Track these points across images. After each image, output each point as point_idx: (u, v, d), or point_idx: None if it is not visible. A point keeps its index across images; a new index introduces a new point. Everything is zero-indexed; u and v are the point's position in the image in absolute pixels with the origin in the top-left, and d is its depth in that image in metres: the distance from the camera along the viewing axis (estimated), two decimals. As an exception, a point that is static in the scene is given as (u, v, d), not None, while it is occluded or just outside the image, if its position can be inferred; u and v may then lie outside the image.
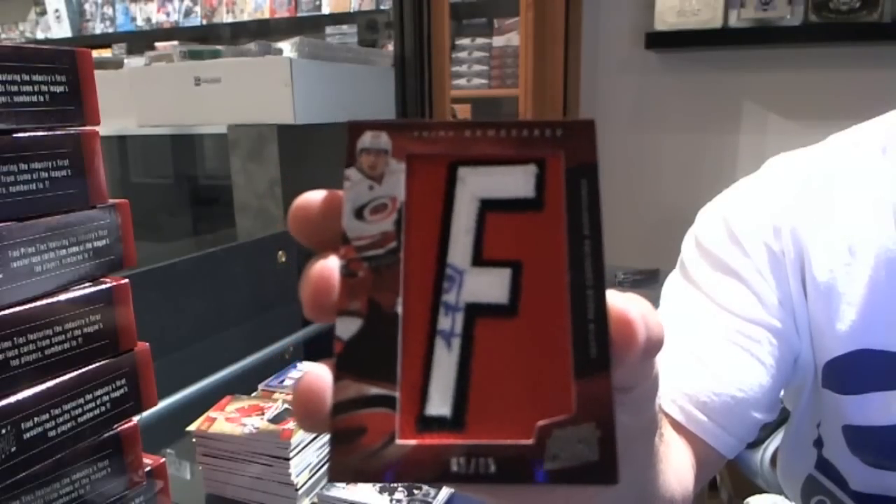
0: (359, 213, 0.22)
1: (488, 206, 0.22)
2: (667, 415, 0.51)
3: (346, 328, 0.21)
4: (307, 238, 0.22)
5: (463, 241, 0.22)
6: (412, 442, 0.20)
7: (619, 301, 0.21)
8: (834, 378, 0.51)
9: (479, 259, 0.22)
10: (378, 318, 0.21)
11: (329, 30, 2.40)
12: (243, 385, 0.80)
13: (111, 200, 0.44)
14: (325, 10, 2.42)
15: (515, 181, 0.22)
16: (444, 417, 0.21)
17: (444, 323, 0.21)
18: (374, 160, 0.22)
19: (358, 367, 0.21)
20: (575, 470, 0.20)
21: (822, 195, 0.53)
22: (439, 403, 0.21)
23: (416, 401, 0.21)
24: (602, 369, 0.20)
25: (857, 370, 0.50)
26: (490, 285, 0.22)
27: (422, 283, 0.22)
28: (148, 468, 0.48)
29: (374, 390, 0.20)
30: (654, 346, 0.22)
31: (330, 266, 0.21)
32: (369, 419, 0.20)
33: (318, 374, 0.20)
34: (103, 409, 0.44)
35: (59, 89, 0.40)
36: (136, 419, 0.46)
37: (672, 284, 0.58)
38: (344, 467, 0.20)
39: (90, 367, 0.43)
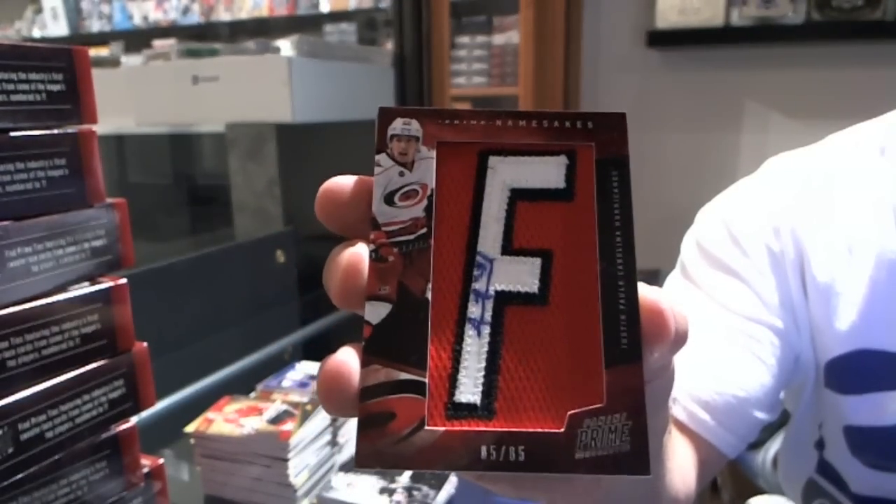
0: (389, 199, 0.22)
1: (518, 196, 0.22)
2: (670, 414, 0.50)
3: (376, 313, 0.21)
4: (334, 223, 0.22)
5: (493, 229, 0.22)
6: (441, 428, 0.20)
7: (650, 292, 0.21)
8: (834, 378, 0.51)
9: (509, 248, 0.22)
10: (408, 304, 0.21)
11: (328, 28, 2.39)
12: (241, 386, 0.79)
13: (109, 200, 0.43)
14: (324, 9, 2.42)
15: (546, 171, 0.22)
16: (473, 404, 0.21)
17: (473, 310, 0.21)
18: (405, 146, 0.22)
19: (387, 351, 0.20)
20: (606, 459, 0.20)
21: (822, 195, 0.53)
22: (469, 390, 0.21)
23: (445, 387, 0.21)
24: (633, 360, 0.20)
25: (857, 370, 0.50)
26: (520, 274, 0.22)
27: (452, 269, 0.22)
28: (146, 469, 0.48)
29: (404, 375, 0.20)
30: (682, 337, 0.22)
31: (359, 252, 0.21)
32: (398, 404, 0.20)
33: (344, 358, 0.20)
34: (101, 409, 0.43)
35: (56, 88, 0.39)
36: (134, 420, 0.46)
37: (672, 285, 0.58)
38: (372, 453, 0.19)
39: (88, 367, 0.42)
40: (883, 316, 0.49)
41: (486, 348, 0.21)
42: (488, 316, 0.21)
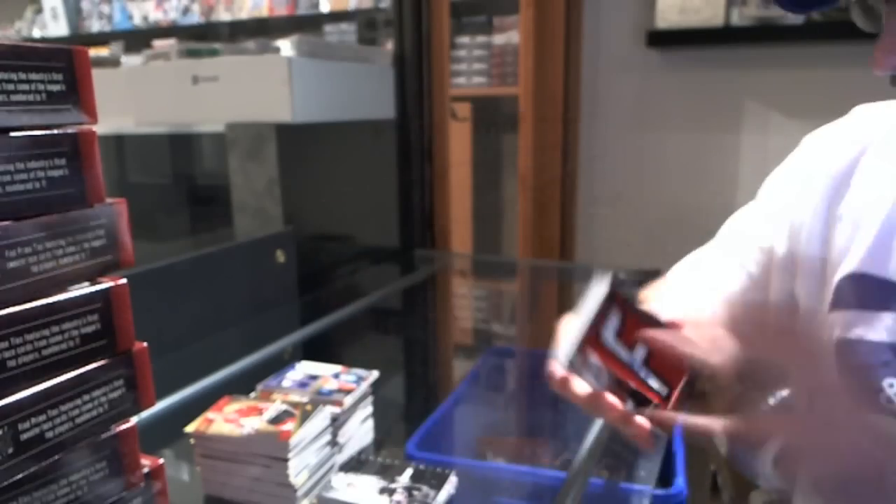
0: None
1: None
2: None
3: None
4: None
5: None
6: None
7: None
8: (842, 296, 0.57)
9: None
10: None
11: (328, 28, 2.39)
12: (242, 386, 0.79)
13: (109, 200, 0.43)
14: (324, 9, 2.42)
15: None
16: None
17: None
18: None
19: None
20: None
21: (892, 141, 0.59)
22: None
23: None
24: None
25: (855, 290, 0.56)
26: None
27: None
28: (146, 469, 0.48)
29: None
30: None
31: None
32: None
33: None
34: (101, 409, 0.43)
35: (55, 88, 0.39)
36: (134, 420, 0.46)
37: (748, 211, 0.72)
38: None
39: (88, 367, 0.42)
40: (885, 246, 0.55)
41: None
42: None
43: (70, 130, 0.41)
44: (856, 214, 0.58)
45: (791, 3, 0.46)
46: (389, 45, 1.63)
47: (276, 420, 0.64)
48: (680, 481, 0.75)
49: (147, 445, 0.48)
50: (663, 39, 1.82)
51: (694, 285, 0.68)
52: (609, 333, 0.51)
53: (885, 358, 0.53)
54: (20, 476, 0.38)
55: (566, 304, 1.51)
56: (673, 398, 0.51)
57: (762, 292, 0.66)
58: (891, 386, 0.52)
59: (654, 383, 0.51)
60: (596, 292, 0.51)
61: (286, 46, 1.32)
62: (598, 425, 0.75)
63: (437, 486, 0.60)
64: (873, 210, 0.56)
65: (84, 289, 0.42)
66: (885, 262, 0.54)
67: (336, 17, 2.39)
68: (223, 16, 2.62)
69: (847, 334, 0.56)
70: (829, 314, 0.58)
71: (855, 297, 0.56)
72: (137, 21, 2.81)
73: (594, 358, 0.50)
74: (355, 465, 0.64)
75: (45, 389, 0.40)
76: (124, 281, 0.44)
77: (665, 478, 0.81)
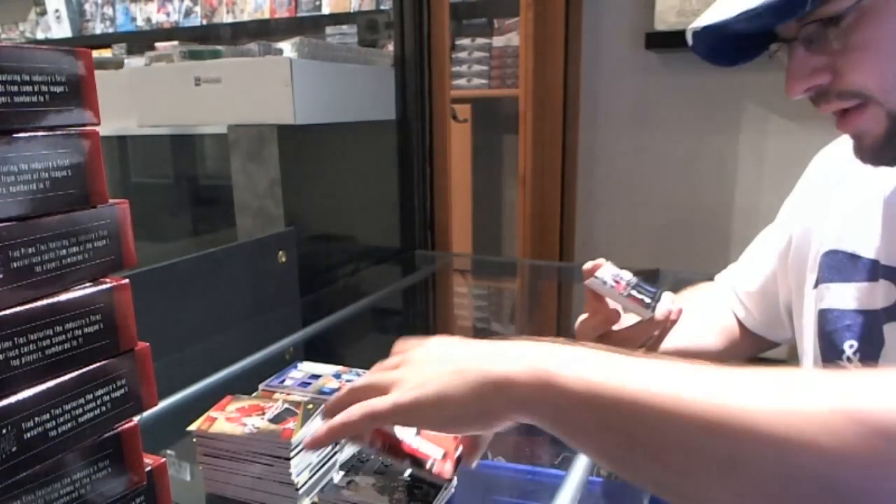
0: None
1: None
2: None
3: None
4: None
5: None
6: None
7: None
8: (822, 272, 0.63)
9: None
10: None
11: (329, 30, 2.40)
12: (244, 385, 0.80)
13: (111, 200, 0.44)
14: (325, 10, 2.43)
15: None
16: None
17: None
18: None
19: None
20: None
21: None
22: None
23: None
24: None
25: (830, 265, 0.62)
26: None
27: None
28: (148, 468, 0.48)
29: None
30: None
31: None
32: None
33: None
34: (104, 409, 0.44)
35: (58, 89, 0.40)
36: (136, 419, 0.46)
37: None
38: None
39: (91, 366, 0.43)
40: (859, 227, 0.61)
41: None
42: None
43: (73, 131, 0.41)
44: (841, 204, 0.64)
45: (722, 58, 0.51)
46: (390, 47, 1.63)
47: (278, 419, 0.65)
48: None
49: (149, 444, 0.49)
50: (662, 41, 1.82)
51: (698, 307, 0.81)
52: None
53: (847, 322, 0.59)
54: (23, 475, 0.39)
55: (566, 304, 1.52)
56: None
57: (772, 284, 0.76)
58: (850, 347, 0.58)
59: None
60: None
61: (288, 48, 1.32)
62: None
63: (438, 486, 0.60)
64: (853, 199, 0.63)
65: (87, 289, 0.42)
66: (853, 238, 0.60)
67: (337, 18, 2.40)
68: (225, 18, 2.63)
69: (822, 305, 0.61)
70: (814, 289, 0.64)
71: (829, 272, 0.62)
72: (140, 23, 2.81)
73: None
74: (356, 463, 0.65)
75: (48, 389, 0.40)
76: (127, 281, 0.45)
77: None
